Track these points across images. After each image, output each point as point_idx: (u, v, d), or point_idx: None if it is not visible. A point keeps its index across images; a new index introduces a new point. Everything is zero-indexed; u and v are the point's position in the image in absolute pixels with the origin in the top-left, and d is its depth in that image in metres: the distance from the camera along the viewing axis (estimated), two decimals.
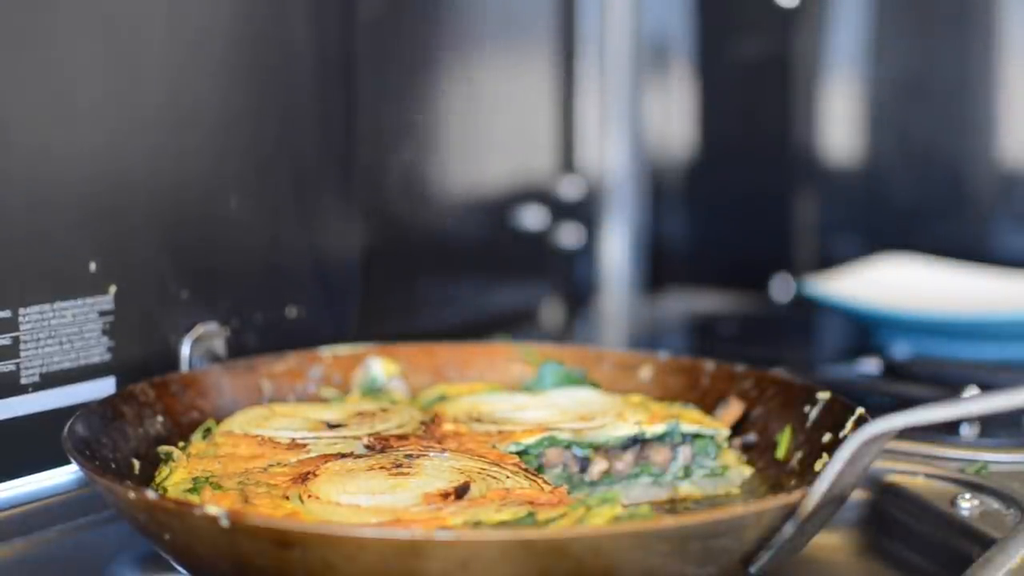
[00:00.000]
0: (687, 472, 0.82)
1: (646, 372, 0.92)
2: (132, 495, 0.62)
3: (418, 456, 0.73)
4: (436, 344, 0.96)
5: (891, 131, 1.25)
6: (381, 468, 0.71)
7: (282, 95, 0.97)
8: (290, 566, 0.58)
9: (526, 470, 0.72)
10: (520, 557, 0.56)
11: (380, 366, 0.93)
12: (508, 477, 0.70)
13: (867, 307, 1.23)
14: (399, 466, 0.71)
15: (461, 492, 0.67)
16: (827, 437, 0.77)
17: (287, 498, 0.67)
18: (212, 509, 0.58)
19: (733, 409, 0.86)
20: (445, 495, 0.66)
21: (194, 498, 0.68)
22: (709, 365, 0.90)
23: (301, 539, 0.57)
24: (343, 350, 0.93)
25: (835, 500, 0.64)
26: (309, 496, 0.67)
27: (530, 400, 0.88)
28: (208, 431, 0.81)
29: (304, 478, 0.70)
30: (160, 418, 0.80)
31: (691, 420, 0.83)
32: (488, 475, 0.70)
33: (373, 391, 0.92)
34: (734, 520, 0.60)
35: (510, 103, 1.28)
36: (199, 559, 0.62)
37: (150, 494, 0.62)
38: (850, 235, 1.40)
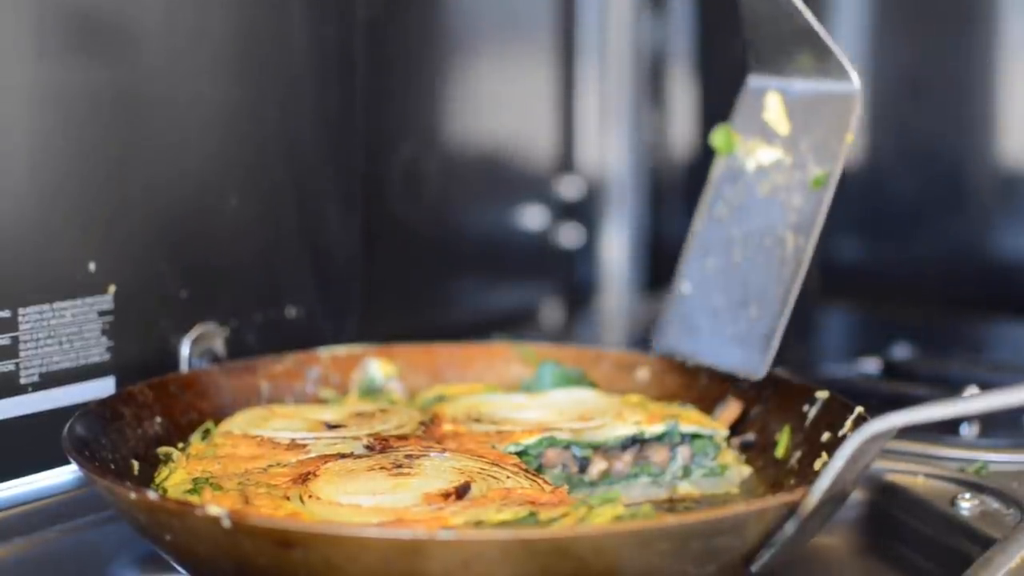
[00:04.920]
0: (686, 472, 0.82)
1: (644, 372, 0.93)
2: (133, 496, 0.62)
3: (418, 456, 0.73)
4: (434, 345, 0.96)
5: (891, 131, 1.25)
6: (381, 468, 0.71)
7: (282, 94, 0.97)
8: (292, 566, 0.58)
9: (526, 470, 0.72)
10: (522, 557, 0.56)
11: (378, 367, 0.93)
12: (509, 477, 0.70)
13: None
14: (399, 466, 0.71)
15: (462, 492, 0.67)
16: (826, 436, 0.77)
17: (287, 499, 0.67)
18: (214, 510, 0.58)
19: (731, 408, 0.86)
20: (446, 495, 0.66)
21: (195, 499, 0.68)
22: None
23: (303, 539, 0.57)
24: (341, 351, 0.93)
25: (836, 498, 0.64)
26: (310, 496, 0.67)
27: (529, 400, 0.88)
28: (207, 432, 0.81)
29: (304, 478, 0.70)
30: (159, 419, 0.80)
31: (690, 420, 0.83)
32: (488, 475, 0.70)
33: (371, 392, 0.92)
34: (736, 519, 0.60)
35: (510, 103, 1.28)
36: (200, 560, 0.62)
37: (151, 495, 0.62)
38: (850, 235, 1.40)
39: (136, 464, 0.74)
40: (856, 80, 0.80)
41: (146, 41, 0.86)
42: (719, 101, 1.49)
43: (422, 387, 0.93)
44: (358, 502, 0.66)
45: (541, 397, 0.89)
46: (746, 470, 0.82)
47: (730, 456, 0.83)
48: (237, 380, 0.88)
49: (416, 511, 0.64)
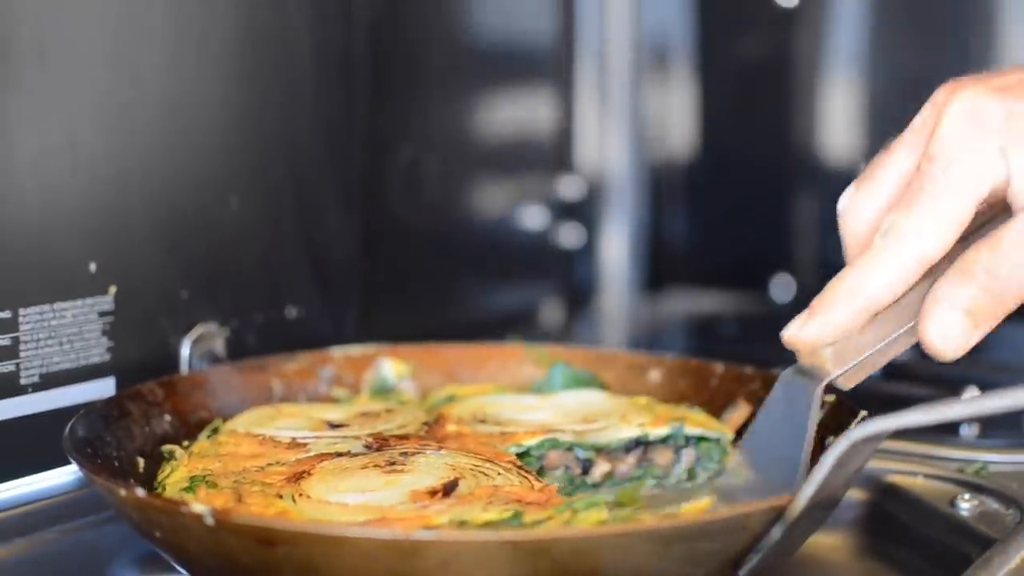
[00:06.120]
0: (691, 474, 0.82)
1: (655, 374, 0.92)
2: (123, 492, 0.62)
3: (413, 454, 0.73)
4: (447, 345, 0.95)
5: (891, 131, 1.24)
6: (375, 466, 0.70)
7: (282, 95, 0.98)
8: (276, 564, 0.58)
9: (519, 467, 0.72)
10: (503, 558, 0.56)
11: (391, 367, 0.93)
12: (499, 474, 0.70)
13: None
14: (393, 464, 0.71)
15: (449, 489, 0.67)
16: (831, 439, 0.76)
17: (280, 497, 0.67)
18: (197, 507, 0.59)
19: (741, 411, 0.86)
20: (433, 492, 0.66)
21: (188, 496, 0.69)
22: (718, 367, 0.89)
23: (284, 538, 0.57)
24: (354, 350, 0.93)
25: (825, 503, 0.63)
26: (301, 495, 0.67)
27: (536, 401, 0.88)
28: (215, 430, 0.81)
29: (298, 477, 0.70)
30: (168, 417, 0.80)
31: (696, 422, 0.82)
32: (480, 472, 0.70)
33: (383, 391, 0.92)
34: (718, 523, 0.60)
35: (510, 102, 1.28)
36: (191, 556, 0.63)
37: (138, 492, 0.63)
38: None
39: (142, 461, 0.75)
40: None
41: (147, 41, 0.86)
42: (719, 101, 1.49)
43: (435, 387, 0.92)
44: (345, 500, 0.65)
45: (548, 398, 0.89)
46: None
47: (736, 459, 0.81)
48: (249, 379, 0.87)
49: (401, 509, 0.64)
